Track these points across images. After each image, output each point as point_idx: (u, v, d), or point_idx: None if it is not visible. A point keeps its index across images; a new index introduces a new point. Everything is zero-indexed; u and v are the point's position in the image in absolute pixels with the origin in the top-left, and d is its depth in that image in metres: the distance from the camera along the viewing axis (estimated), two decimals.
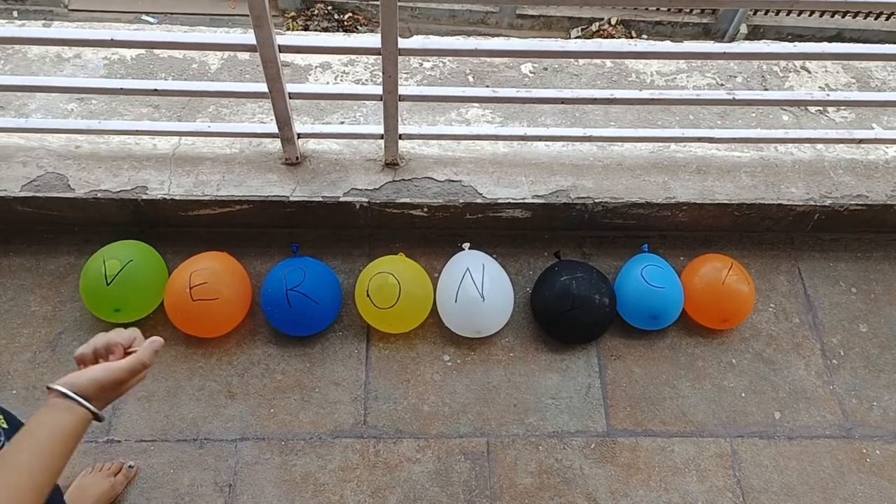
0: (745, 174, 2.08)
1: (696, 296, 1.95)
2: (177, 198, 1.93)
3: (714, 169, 2.08)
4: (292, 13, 8.59)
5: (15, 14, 9.35)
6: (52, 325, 1.90)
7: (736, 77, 2.31)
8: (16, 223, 1.99)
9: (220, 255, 1.92)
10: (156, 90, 1.81)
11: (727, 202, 2.03)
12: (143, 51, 2.19)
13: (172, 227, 2.03)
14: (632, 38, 9.96)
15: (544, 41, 1.82)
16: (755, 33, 9.87)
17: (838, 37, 9.85)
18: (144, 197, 1.93)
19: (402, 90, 1.78)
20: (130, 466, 1.71)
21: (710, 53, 1.73)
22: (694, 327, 2.00)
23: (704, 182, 2.05)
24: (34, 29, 2.09)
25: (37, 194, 1.90)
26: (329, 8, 8.84)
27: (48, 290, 1.94)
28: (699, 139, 2.02)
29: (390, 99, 1.76)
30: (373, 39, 1.63)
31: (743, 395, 1.93)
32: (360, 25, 10.06)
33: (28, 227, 2.01)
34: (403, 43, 1.63)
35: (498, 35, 10.29)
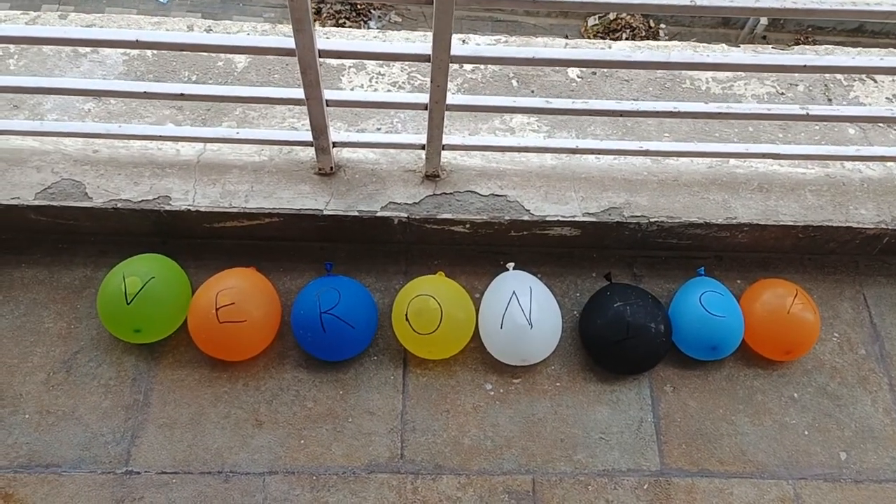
0: (810, 193, 1.94)
1: (758, 325, 1.81)
2: (202, 209, 1.80)
3: (777, 187, 1.94)
4: None
5: None
6: (68, 344, 1.77)
7: (797, 85, 2.15)
8: (29, 232, 1.86)
9: (248, 272, 1.79)
10: (182, 94, 1.67)
11: (792, 223, 1.89)
12: None
13: (195, 238, 1.90)
14: (651, 27, 9.71)
15: (606, 50, 1.68)
16: (775, 25, 9.60)
17: (860, 29, 9.62)
18: (167, 208, 1.79)
19: (449, 99, 1.64)
20: None
21: (783, 66, 1.58)
22: (752, 357, 1.87)
23: (767, 201, 1.91)
24: (53, 28, 1.94)
25: (52, 203, 1.77)
26: None
27: (63, 305, 1.82)
28: (763, 155, 1.88)
29: (437, 109, 1.62)
30: (422, 46, 1.50)
31: (806, 432, 1.79)
32: (374, 9, 9.84)
33: (42, 236, 1.88)
34: (456, 49, 1.49)
35: (514, 21, 10.04)
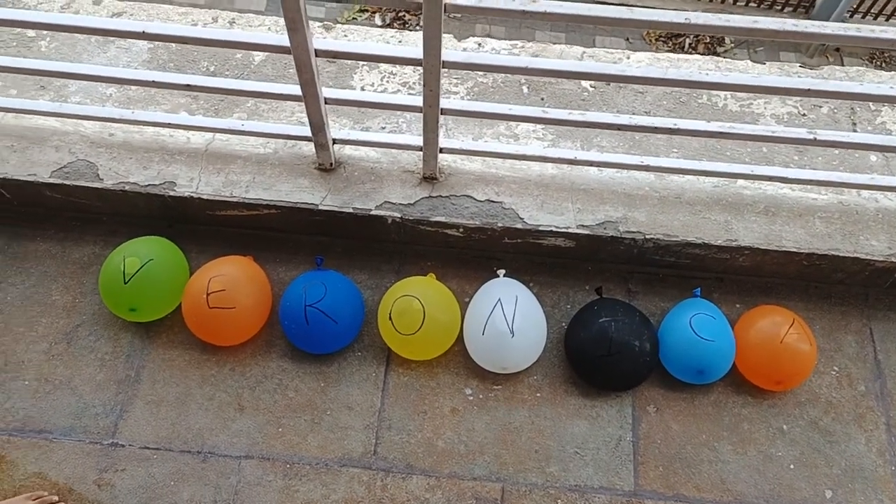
0: (819, 220, 1.87)
1: (750, 352, 1.76)
2: (204, 197, 1.86)
3: (784, 211, 1.88)
4: None
5: None
6: (71, 317, 1.86)
7: (821, 107, 2.08)
8: (45, 208, 1.96)
9: (242, 261, 1.84)
10: (188, 85, 1.73)
11: (796, 250, 1.83)
12: None
13: (199, 224, 1.96)
14: (724, 38, 9.35)
15: (604, 63, 1.65)
16: (860, 9, 8.63)
17: None
18: (172, 193, 1.86)
19: (444, 103, 1.65)
20: None
21: (793, 90, 1.52)
22: (743, 384, 1.82)
23: (772, 225, 1.85)
24: (70, 16, 2.04)
25: (65, 182, 1.86)
26: None
27: (70, 280, 1.91)
28: (770, 178, 1.82)
29: (430, 112, 1.63)
30: (415, 50, 1.50)
31: (791, 466, 1.74)
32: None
33: (56, 212, 1.97)
34: (448, 55, 1.50)
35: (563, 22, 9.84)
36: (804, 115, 2.07)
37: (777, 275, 1.93)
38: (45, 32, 2.11)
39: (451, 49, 1.97)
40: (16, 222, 1.98)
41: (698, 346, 1.72)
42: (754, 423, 1.79)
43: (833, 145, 1.70)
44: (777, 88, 1.52)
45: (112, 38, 2.11)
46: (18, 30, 2.09)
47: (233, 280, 1.76)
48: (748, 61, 2.27)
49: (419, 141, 1.80)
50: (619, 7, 1.38)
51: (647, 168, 1.84)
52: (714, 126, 1.67)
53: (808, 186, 1.91)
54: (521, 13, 1.38)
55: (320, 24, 2.20)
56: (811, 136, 1.67)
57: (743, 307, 1.91)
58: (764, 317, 1.80)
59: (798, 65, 2.26)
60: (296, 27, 1.44)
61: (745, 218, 1.87)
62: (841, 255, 1.82)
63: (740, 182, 1.92)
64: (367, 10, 9.43)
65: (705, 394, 1.81)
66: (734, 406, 1.80)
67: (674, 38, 9.56)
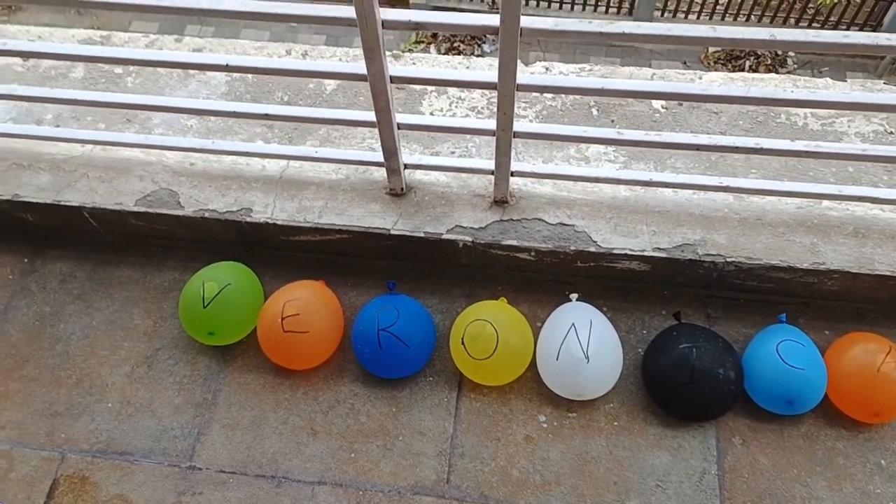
0: None
1: (843, 381, 1.67)
2: (279, 222, 1.89)
3: (875, 233, 1.78)
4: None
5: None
6: (152, 341, 1.91)
7: None
8: (129, 236, 2.03)
9: (315, 285, 1.86)
10: (267, 115, 1.78)
11: (890, 273, 1.73)
12: None
13: (274, 249, 2.00)
14: (778, 55, 9.13)
15: (679, 82, 1.62)
16: None
17: None
18: (248, 219, 1.90)
19: (517, 126, 1.65)
20: None
21: (886, 105, 1.45)
22: (836, 416, 1.72)
23: (863, 248, 1.76)
24: (157, 52, 2.13)
25: (149, 210, 1.93)
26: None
27: (151, 305, 1.97)
28: (860, 198, 1.74)
29: (503, 136, 1.63)
30: (489, 74, 1.50)
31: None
32: (490, 34, 9.96)
33: (140, 239, 2.04)
34: (522, 78, 1.49)
35: (629, 45, 9.78)
36: (891, 132, 1.98)
37: (869, 300, 1.83)
38: (131, 69, 2.22)
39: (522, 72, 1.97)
40: (102, 250, 2.07)
41: (787, 374, 1.63)
42: (850, 457, 1.68)
43: None
44: (867, 105, 1.45)
45: (192, 73, 2.20)
46: (107, 67, 2.20)
47: (306, 304, 1.78)
48: (828, 79, 2.19)
49: (489, 165, 1.80)
50: (700, 26, 1.35)
51: (726, 189, 1.78)
52: (799, 145, 1.61)
53: None
54: (598, 35, 1.37)
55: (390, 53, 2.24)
56: None
57: (832, 334, 1.82)
58: (857, 344, 1.70)
59: (882, 81, 2.16)
60: (373, 56, 1.46)
61: (832, 240, 1.78)
62: None
63: (826, 203, 1.84)
64: (423, 42, 9.58)
65: (795, 426, 1.72)
66: (827, 439, 1.70)
67: (733, 61, 9.36)
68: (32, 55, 1.82)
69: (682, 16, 8.73)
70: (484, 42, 9.90)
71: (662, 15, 8.80)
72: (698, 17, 8.70)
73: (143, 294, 1.99)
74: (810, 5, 8.91)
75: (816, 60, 9.39)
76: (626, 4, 9.18)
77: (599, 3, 9.31)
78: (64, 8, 9.92)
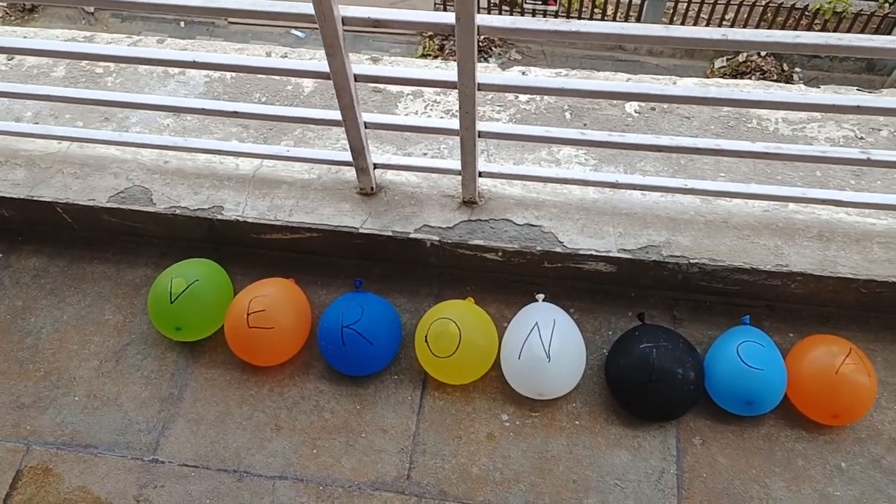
0: (878, 245, 1.78)
1: (803, 383, 1.67)
2: (249, 220, 1.91)
3: (839, 236, 1.79)
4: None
5: (182, 24, 10.20)
6: (121, 336, 1.93)
7: (881, 130, 2.00)
8: (103, 231, 2.05)
9: (284, 283, 1.88)
10: (235, 112, 1.80)
11: (852, 276, 1.73)
12: None
13: (245, 247, 2.02)
14: (784, 70, 9.16)
15: (643, 83, 1.64)
16: None
17: None
18: (219, 217, 1.92)
19: (482, 127, 1.66)
20: None
21: (844, 107, 1.47)
22: (797, 418, 1.72)
23: (826, 251, 1.77)
24: (130, 48, 2.16)
25: (121, 206, 1.95)
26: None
27: (122, 300, 1.98)
28: (824, 201, 1.75)
29: (468, 135, 1.64)
30: (450, 73, 1.53)
31: None
32: (495, 46, 10.01)
33: (113, 236, 2.06)
34: (482, 77, 1.51)
35: (635, 61, 9.86)
36: (861, 138, 1.99)
37: (833, 303, 1.84)
38: (112, 69, 2.25)
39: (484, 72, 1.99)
40: (76, 246, 2.09)
41: (746, 375, 1.64)
42: (809, 459, 1.68)
43: (890, 165, 1.62)
44: (825, 106, 1.47)
45: (172, 74, 2.23)
46: (88, 67, 2.23)
47: (273, 301, 1.79)
48: (801, 85, 2.21)
49: (457, 165, 1.81)
50: (653, 25, 1.37)
51: (692, 191, 1.79)
52: (759, 146, 1.62)
53: (867, 211, 1.83)
54: (553, 33, 1.39)
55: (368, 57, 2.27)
56: (864, 157, 1.60)
57: (796, 337, 1.82)
58: (818, 346, 1.71)
59: (855, 88, 2.18)
60: (334, 52, 1.48)
61: (797, 243, 1.79)
62: None
63: (792, 206, 1.85)
64: (430, 55, 9.65)
65: (755, 426, 1.72)
66: (787, 440, 1.70)
67: (738, 77, 9.38)
68: (13, 51, 1.86)
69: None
70: (490, 56, 9.96)
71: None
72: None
73: (115, 290, 2.01)
74: (816, 21, 8.99)
75: (823, 77, 9.42)
76: (633, 13, 9.29)
77: (606, 16, 9.44)
78: (76, 17, 10.06)
